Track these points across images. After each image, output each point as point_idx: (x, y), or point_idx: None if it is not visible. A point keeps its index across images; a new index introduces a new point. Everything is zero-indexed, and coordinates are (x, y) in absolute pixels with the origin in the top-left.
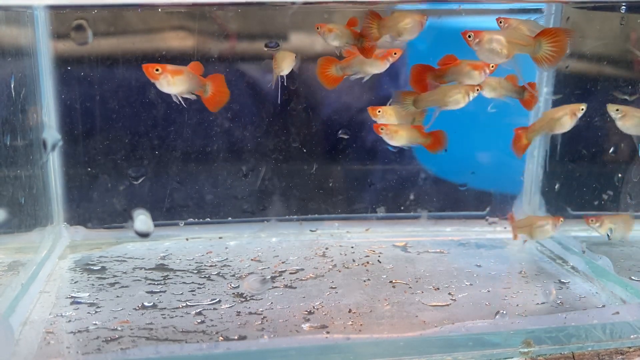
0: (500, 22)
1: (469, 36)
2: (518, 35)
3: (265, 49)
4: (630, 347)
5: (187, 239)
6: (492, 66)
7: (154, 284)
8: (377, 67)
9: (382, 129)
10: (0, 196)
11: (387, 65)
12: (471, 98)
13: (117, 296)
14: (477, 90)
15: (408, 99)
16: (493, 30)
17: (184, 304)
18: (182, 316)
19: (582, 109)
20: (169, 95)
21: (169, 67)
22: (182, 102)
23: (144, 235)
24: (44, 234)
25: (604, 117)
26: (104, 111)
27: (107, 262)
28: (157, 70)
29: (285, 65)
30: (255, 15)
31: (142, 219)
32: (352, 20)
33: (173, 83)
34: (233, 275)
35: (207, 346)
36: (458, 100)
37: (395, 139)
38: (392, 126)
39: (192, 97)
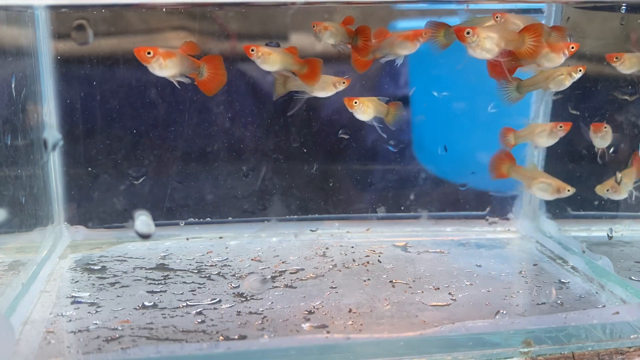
0: (497, 17)
1: (467, 33)
2: (506, 30)
3: None
4: (630, 347)
5: (187, 239)
6: (572, 47)
7: (155, 283)
8: (407, 49)
9: (252, 50)
10: (1, 196)
11: (417, 46)
12: (574, 78)
13: (118, 296)
14: (580, 70)
15: (511, 84)
16: (484, 27)
17: (185, 304)
18: (182, 316)
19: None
20: (169, 95)
21: (161, 49)
22: (177, 85)
23: (145, 236)
24: (45, 234)
25: (604, 117)
26: (104, 111)
27: (108, 261)
28: (148, 53)
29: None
30: (255, 15)
31: (143, 220)
32: (348, 19)
33: (165, 66)
34: (233, 275)
35: (207, 346)
36: (561, 81)
37: (269, 63)
38: (264, 48)
39: (187, 80)
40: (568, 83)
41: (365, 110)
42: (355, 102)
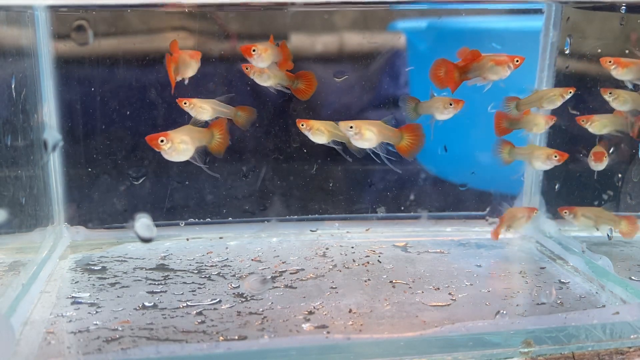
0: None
1: (161, 140)
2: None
3: None
4: (630, 347)
5: (187, 239)
6: (517, 61)
7: (155, 284)
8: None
9: (254, 51)
10: (1, 196)
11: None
12: (565, 98)
13: (118, 296)
14: (570, 92)
15: (511, 102)
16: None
17: (185, 304)
18: (182, 316)
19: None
20: (169, 96)
21: (172, 133)
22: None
23: (147, 240)
24: (45, 234)
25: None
26: (104, 111)
27: (108, 262)
28: (161, 140)
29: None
30: (255, 15)
31: (144, 224)
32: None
33: (179, 149)
34: (233, 275)
35: (207, 346)
36: (553, 100)
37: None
38: (261, 45)
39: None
40: (559, 103)
41: (319, 135)
42: (302, 125)
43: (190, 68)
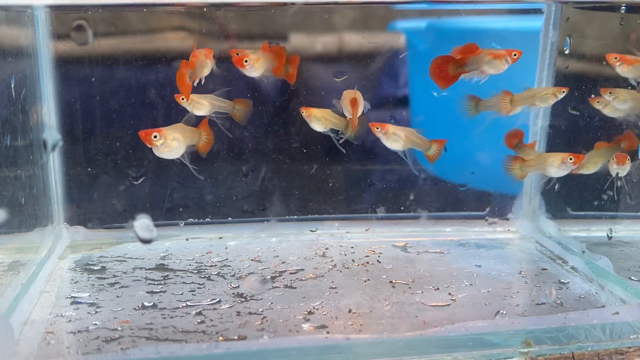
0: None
1: (154, 136)
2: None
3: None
4: (630, 347)
5: (187, 239)
6: (515, 55)
7: (154, 284)
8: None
9: (246, 62)
10: (0, 196)
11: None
12: (559, 98)
13: (117, 296)
14: (563, 92)
15: (505, 98)
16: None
17: (184, 304)
18: (182, 316)
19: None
20: (168, 95)
21: (165, 130)
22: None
23: (147, 242)
24: (44, 234)
25: (603, 117)
26: (104, 111)
27: (107, 262)
28: (155, 136)
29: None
30: (255, 15)
31: (145, 225)
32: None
33: (171, 146)
34: (233, 276)
35: (207, 346)
36: (546, 99)
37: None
38: (253, 55)
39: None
40: (552, 101)
41: (317, 122)
42: (303, 112)
43: (206, 67)
